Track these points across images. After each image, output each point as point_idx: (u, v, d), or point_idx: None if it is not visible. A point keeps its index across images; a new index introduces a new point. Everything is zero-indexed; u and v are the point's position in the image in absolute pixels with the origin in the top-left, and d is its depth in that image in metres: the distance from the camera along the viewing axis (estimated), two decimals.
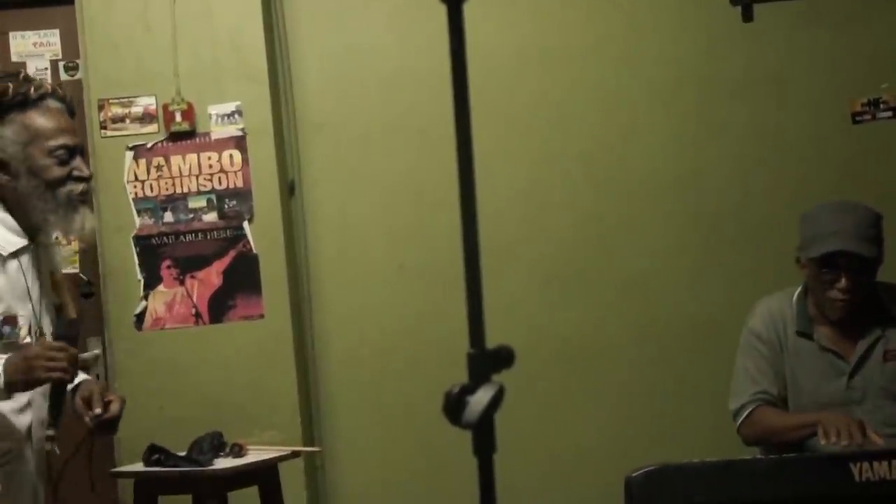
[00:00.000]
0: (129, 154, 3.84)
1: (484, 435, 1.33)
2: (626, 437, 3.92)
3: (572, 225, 3.99)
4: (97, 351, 3.94)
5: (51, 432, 2.53)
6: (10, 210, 2.60)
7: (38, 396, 2.63)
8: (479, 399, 1.31)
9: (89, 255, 3.93)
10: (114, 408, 2.65)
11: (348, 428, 3.98)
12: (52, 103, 2.66)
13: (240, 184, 3.84)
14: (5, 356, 2.50)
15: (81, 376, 2.79)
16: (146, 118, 3.84)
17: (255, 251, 3.84)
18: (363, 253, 3.99)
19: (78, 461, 3.26)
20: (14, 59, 3.96)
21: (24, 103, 2.60)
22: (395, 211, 3.99)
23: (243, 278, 3.83)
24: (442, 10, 4.29)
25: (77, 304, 2.83)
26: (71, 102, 2.76)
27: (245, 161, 3.84)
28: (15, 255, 2.60)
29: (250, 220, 3.85)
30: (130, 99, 3.84)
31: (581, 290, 3.98)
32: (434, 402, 4.21)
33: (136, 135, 3.84)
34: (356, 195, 4.00)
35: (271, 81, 3.89)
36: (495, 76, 3.93)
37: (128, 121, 3.84)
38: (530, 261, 3.95)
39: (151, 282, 3.83)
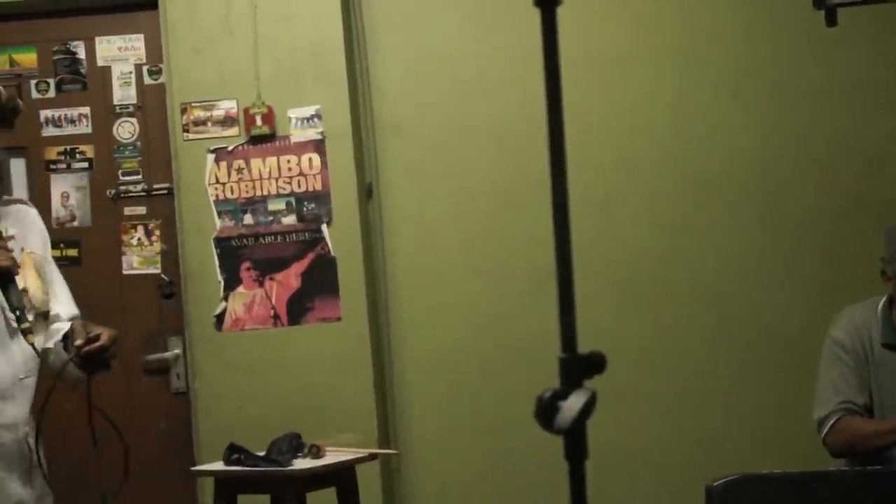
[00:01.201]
0: (211, 157, 3.89)
1: (575, 441, 1.32)
2: (703, 446, 3.88)
3: (648, 232, 3.96)
4: (177, 351, 4.00)
5: (25, 325, 2.47)
6: None
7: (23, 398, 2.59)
8: (572, 405, 1.30)
9: (171, 255, 3.99)
10: (103, 337, 2.49)
11: (423, 431, 3.99)
12: None
13: (318, 187, 3.87)
14: None
15: (67, 327, 2.66)
16: (227, 121, 3.89)
17: (333, 254, 3.87)
18: (439, 256, 3.99)
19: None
20: (100, 63, 4.04)
21: None
22: (471, 214, 3.99)
23: (321, 281, 3.86)
24: (519, 14, 4.30)
25: (43, 284, 2.69)
26: (4, 105, 2.62)
27: (324, 164, 3.87)
28: None
29: (328, 223, 3.87)
30: (212, 102, 3.89)
31: (657, 298, 3.95)
32: (509, 407, 4.24)
33: (218, 138, 3.89)
34: (433, 198, 4.01)
35: (350, 85, 3.91)
36: (569, 81, 3.90)
37: (209, 124, 3.89)
38: (605, 268, 3.93)
39: (231, 283, 3.88)
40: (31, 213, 2.78)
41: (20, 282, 2.55)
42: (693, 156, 3.97)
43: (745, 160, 3.95)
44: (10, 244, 2.59)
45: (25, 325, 2.49)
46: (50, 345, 2.68)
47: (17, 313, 2.49)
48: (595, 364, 1.36)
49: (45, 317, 2.69)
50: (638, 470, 3.88)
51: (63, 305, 2.75)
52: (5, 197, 2.68)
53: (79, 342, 2.48)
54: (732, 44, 3.96)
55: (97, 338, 2.49)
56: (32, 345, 2.51)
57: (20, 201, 2.79)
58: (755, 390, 3.90)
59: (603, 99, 3.95)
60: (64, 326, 2.68)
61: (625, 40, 3.95)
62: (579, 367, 1.34)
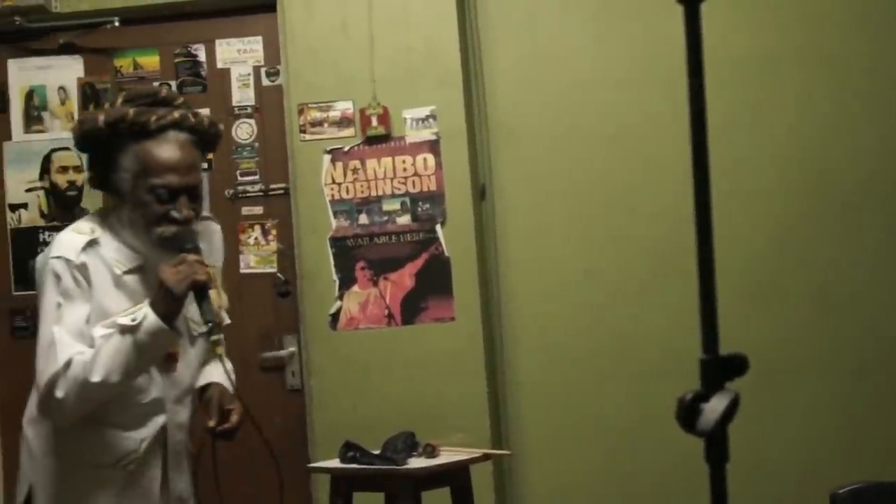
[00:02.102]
0: (327, 157, 3.93)
1: (717, 444, 1.30)
2: (827, 453, 3.79)
3: (767, 235, 3.89)
4: (293, 349, 4.05)
5: (215, 337, 2.58)
6: (133, 230, 2.61)
7: (172, 403, 2.69)
8: (714, 407, 1.28)
9: (287, 255, 4.04)
10: (233, 419, 2.69)
11: (536, 432, 3.97)
12: (174, 136, 2.59)
13: (433, 187, 3.89)
14: (145, 306, 2.52)
15: (212, 378, 2.81)
16: (343, 122, 3.93)
17: (447, 254, 3.88)
18: (553, 258, 3.97)
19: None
20: (220, 65, 4.11)
21: (141, 133, 2.57)
22: (584, 216, 3.97)
23: (435, 281, 3.87)
24: (636, 14, 4.26)
25: (222, 294, 2.80)
26: (208, 129, 2.70)
27: (438, 165, 3.89)
28: (131, 271, 2.62)
29: (443, 224, 3.89)
30: (329, 104, 3.93)
31: (775, 302, 3.87)
32: (622, 408, 4.20)
33: (334, 138, 3.93)
34: (546, 200, 3.99)
35: (465, 86, 3.92)
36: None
37: (326, 125, 3.94)
38: (723, 272, 3.83)
39: (346, 282, 3.91)
40: (217, 229, 2.88)
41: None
42: (814, 158, 3.88)
43: (868, 161, 3.85)
44: None
45: (216, 337, 2.60)
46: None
47: (210, 326, 2.59)
48: (737, 366, 1.34)
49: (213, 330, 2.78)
50: (760, 477, 3.80)
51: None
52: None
53: (212, 424, 2.68)
54: (855, 42, 3.87)
55: (228, 415, 2.69)
56: (220, 356, 2.62)
57: (208, 218, 2.87)
58: (878, 396, 3.80)
59: (723, 101, 3.88)
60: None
61: (745, 40, 3.88)
62: (721, 368, 1.32)
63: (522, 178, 3.99)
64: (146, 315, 2.50)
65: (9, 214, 4.17)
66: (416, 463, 3.28)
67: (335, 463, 3.37)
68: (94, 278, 2.57)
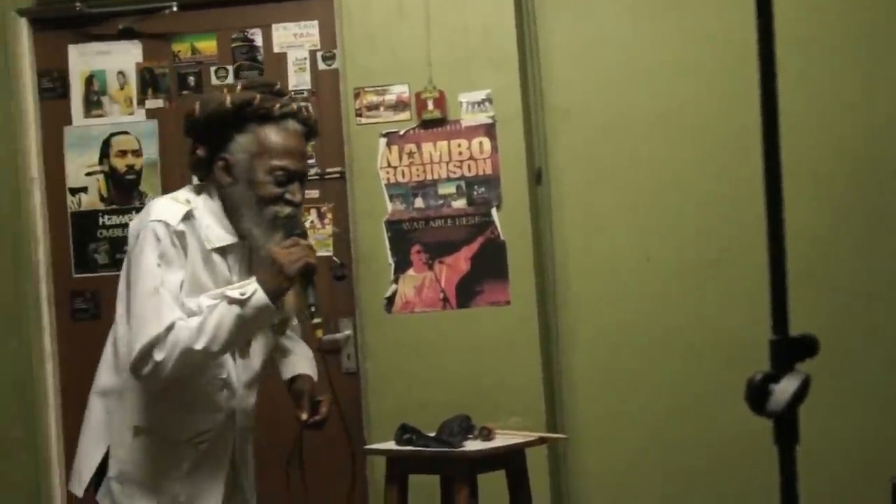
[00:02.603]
0: (383, 141, 3.94)
1: (787, 425, 1.29)
2: (883, 440, 3.75)
3: (826, 220, 3.84)
4: (348, 332, 4.07)
5: (317, 320, 2.74)
6: (227, 210, 2.68)
7: (241, 388, 2.74)
8: (785, 388, 1.27)
9: (342, 238, 4.06)
10: (322, 410, 2.81)
11: (590, 416, 3.96)
12: (292, 125, 2.70)
13: (489, 171, 3.88)
14: (253, 282, 2.58)
15: (300, 368, 2.91)
16: (399, 106, 3.93)
17: (502, 238, 3.88)
18: (609, 243, 3.96)
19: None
20: (276, 49, 4.13)
21: (265, 117, 2.67)
22: (641, 200, 3.94)
23: (490, 265, 3.87)
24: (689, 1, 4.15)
25: (303, 298, 2.86)
26: (315, 125, 2.81)
27: (494, 148, 3.88)
28: (222, 250, 2.67)
29: (498, 208, 3.88)
30: (384, 87, 3.94)
31: (834, 288, 3.83)
32: (677, 394, 4.16)
33: (390, 122, 3.94)
34: (603, 184, 3.97)
35: (521, 69, 3.91)
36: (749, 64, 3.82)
37: (381, 108, 3.94)
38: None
39: (402, 266, 3.92)
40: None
41: None
42: (874, 140, 3.83)
43: None
44: None
45: (316, 320, 2.77)
46: (282, 370, 2.93)
47: (312, 309, 2.75)
48: (807, 347, 1.33)
49: (284, 324, 2.87)
50: (820, 462, 3.77)
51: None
52: None
53: (304, 416, 2.80)
54: None
55: (318, 407, 2.83)
56: (320, 339, 2.79)
57: None
58: None
59: (784, 82, 3.83)
60: (289, 346, 2.91)
61: (810, 21, 3.82)
62: (791, 349, 1.31)
63: (578, 161, 3.98)
64: (255, 290, 2.55)
65: (69, 198, 4.23)
66: (472, 446, 3.29)
67: (391, 445, 3.39)
68: (189, 248, 2.62)
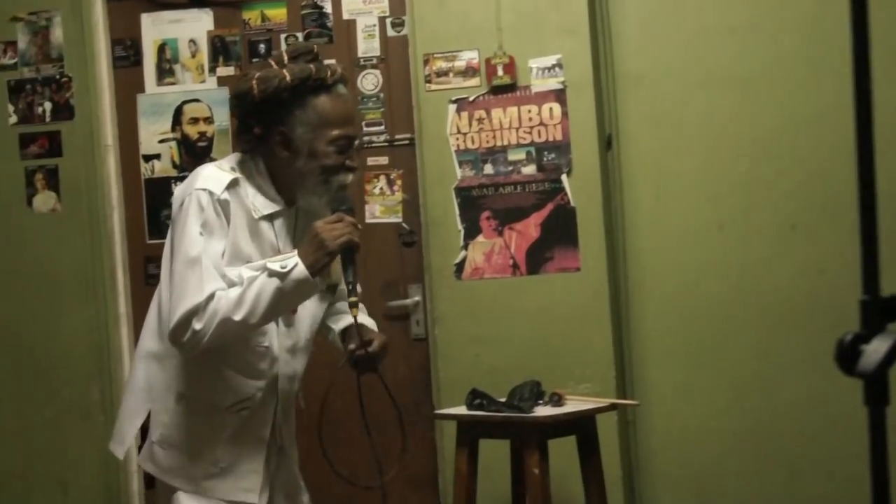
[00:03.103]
0: (452, 107, 3.93)
1: (877, 386, 1.27)
2: None
3: None
4: (417, 298, 4.09)
5: (353, 299, 2.61)
6: (272, 176, 2.68)
7: (283, 353, 2.73)
8: (876, 348, 1.25)
9: (412, 204, 4.07)
10: (374, 344, 2.69)
11: (660, 383, 3.95)
12: (342, 90, 2.70)
13: (559, 137, 3.87)
14: (294, 255, 2.57)
15: (350, 319, 2.80)
16: (469, 72, 3.93)
17: (572, 204, 3.86)
18: (681, 209, 3.93)
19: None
20: (345, 16, 4.14)
21: (321, 88, 2.65)
22: (715, 166, 3.90)
23: (560, 231, 3.86)
24: None
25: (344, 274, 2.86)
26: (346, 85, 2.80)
27: (564, 114, 3.86)
28: (268, 218, 2.67)
29: (569, 174, 3.87)
30: (454, 53, 3.93)
31: None
32: (749, 362, 4.11)
33: (459, 88, 3.93)
34: (674, 149, 3.93)
35: (591, 33, 3.88)
36: (832, 24, 3.76)
37: (451, 75, 3.94)
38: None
39: (471, 232, 3.93)
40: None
41: None
42: None
43: None
44: None
45: (353, 298, 2.63)
46: (332, 324, 2.89)
47: (350, 286, 2.63)
48: None
49: (333, 290, 2.85)
50: None
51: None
52: None
53: (352, 346, 2.68)
54: None
55: (370, 343, 2.69)
56: (355, 318, 2.66)
57: None
58: None
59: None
60: (343, 308, 2.85)
61: None
62: (883, 309, 1.29)
63: (649, 126, 3.94)
64: (297, 264, 2.54)
65: (142, 165, 4.29)
66: (542, 411, 3.30)
67: (462, 410, 3.40)
68: (233, 217, 2.62)
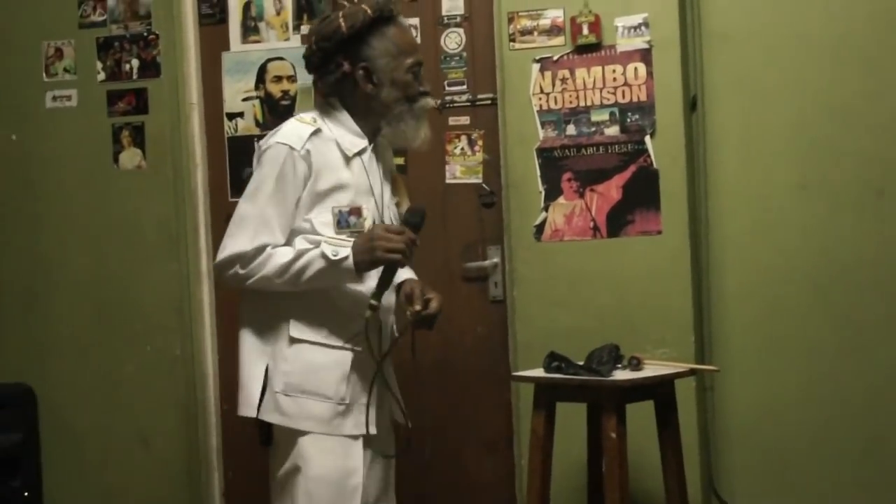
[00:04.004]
0: (536, 67, 3.89)
1: None
2: None
3: None
4: (496, 259, 4.07)
5: (374, 302, 2.78)
6: (354, 115, 2.82)
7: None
8: None
9: (492, 165, 4.05)
10: (433, 305, 2.88)
11: (740, 350, 3.89)
12: (403, 20, 2.92)
13: (643, 98, 3.80)
14: (349, 248, 2.76)
15: (408, 273, 3.00)
16: (553, 31, 3.88)
17: (655, 166, 3.80)
18: (765, 172, 3.84)
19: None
20: None
21: (391, 19, 2.86)
22: (801, 129, 3.81)
23: (642, 193, 3.81)
24: None
25: (408, 200, 3.03)
26: None
27: (649, 74, 3.79)
28: (359, 154, 2.86)
29: (652, 135, 3.80)
30: (539, 12, 3.88)
31: None
32: (832, 329, 4.04)
33: (543, 47, 3.88)
34: (760, 111, 3.85)
35: None
36: None
37: (535, 33, 3.89)
38: None
39: (552, 194, 3.89)
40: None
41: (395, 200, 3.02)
42: None
43: None
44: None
45: (373, 302, 2.82)
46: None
47: (377, 292, 2.84)
48: None
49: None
50: None
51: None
52: None
53: (417, 307, 2.86)
54: None
55: (429, 303, 2.88)
56: (366, 320, 2.82)
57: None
58: None
59: None
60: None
61: None
62: None
63: (735, 88, 3.86)
64: (347, 257, 2.73)
65: (226, 123, 4.32)
66: (621, 375, 3.27)
67: (539, 372, 3.39)
68: (324, 160, 2.80)
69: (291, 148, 2.75)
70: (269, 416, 2.82)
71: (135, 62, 4.30)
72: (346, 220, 2.81)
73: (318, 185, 2.79)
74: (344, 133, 2.86)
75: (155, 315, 4.29)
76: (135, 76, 4.30)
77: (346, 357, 2.81)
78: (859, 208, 3.76)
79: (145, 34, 4.29)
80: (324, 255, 2.74)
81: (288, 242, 2.81)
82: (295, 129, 2.80)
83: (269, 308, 2.82)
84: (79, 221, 4.37)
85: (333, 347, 2.80)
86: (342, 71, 2.86)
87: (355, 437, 2.81)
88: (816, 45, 3.78)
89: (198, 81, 4.32)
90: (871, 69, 3.74)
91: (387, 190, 2.98)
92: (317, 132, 2.80)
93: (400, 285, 2.99)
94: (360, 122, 2.89)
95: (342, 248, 2.74)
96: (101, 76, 4.34)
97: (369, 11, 2.84)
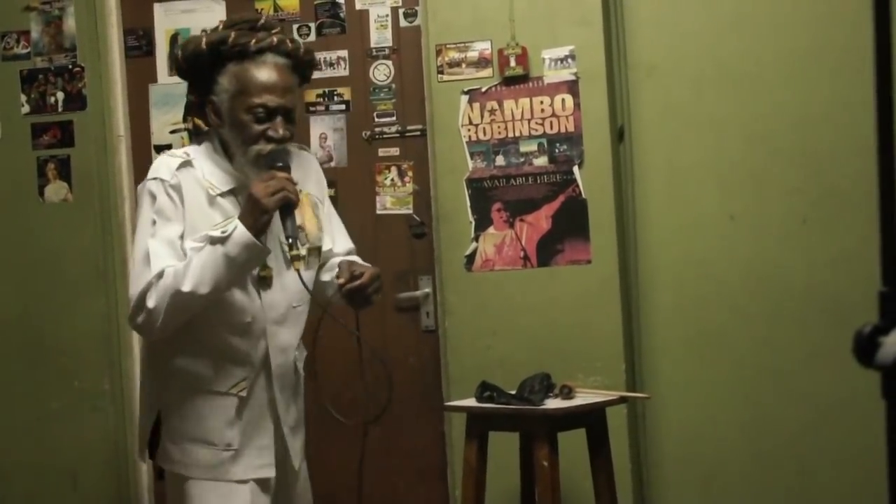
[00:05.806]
0: (464, 98, 3.92)
1: (895, 379, 1.26)
2: None
3: None
4: (427, 290, 4.08)
5: (294, 252, 2.62)
6: (228, 154, 2.71)
7: (271, 325, 2.74)
8: (894, 341, 1.24)
9: (423, 196, 4.06)
10: (364, 277, 2.68)
11: (671, 376, 3.93)
12: (271, 58, 2.68)
13: (571, 128, 3.85)
14: (234, 219, 2.60)
15: (342, 261, 2.84)
16: (481, 63, 3.91)
17: (584, 196, 3.85)
18: (693, 201, 3.91)
19: None
20: (358, 7, 4.12)
21: (242, 55, 2.67)
22: (726, 158, 3.88)
23: (572, 223, 3.85)
24: None
25: (318, 222, 2.87)
26: (302, 55, 2.77)
27: (576, 105, 3.84)
28: (230, 193, 2.70)
29: (580, 165, 3.85)
30: (467, 44, 3.92)
31: None
32: (761, 356, 4.09)
33: (472, 79, 3.92)
34: (686, 141, 3.91)
35: (605, 25, 3.86)
36: (847, 12, 3.74)
37: (463, 65, 3.92)
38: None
39: (482, 224, 3.91)
40: (311, 158, 3.00)
41: (298, 217, 2.69)
42: None
43: None
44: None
45: (294, 252, 2.65)
46: (326, 278, 2.87)
47: (290, 241, 2.65)
48: None
49: (318, 252, 2.84)
50: None
51: (339, 241, 2.94)
52: (293, 143, 2.82)
53: (342, 280, 2.70)
54: None
55: (360, 276, 2.69)
56: (298, 271, 2.68)
57: (302, 147, 2.98)
58: None
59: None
60: (335, 262, 2.86)
61: None
62: None
63: (662, 118, 3.92)
64: (236, 227, 2.58)
65: (154, 156, 4.27)
66: (552, 404, 3.29)
67: (471, 402, 3.40)
68: (188, 197, 2.67)
69: (162, 180, 2.69)
70: (161, 462, 2.81)
71: (60, 94, 4.25)
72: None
73: (187, 217, 2.67)
74: (214, 169, 2.71)
75: (82, 350, 4.23)
76: (60, 109, 4.25)
77: (230, 402, 2.74)
78: (785, 236, 3.83)
79: (70, 66, 4.25)
80: (214, 240, 2.58)
81: None
82: (164, 163, 2.72)
83: (162, 356, 2.77)
84: (3, 255, 4.30)
85: (219, 394, 2.74)
86: (189, 100, 2.81)
87: (243, 482, 2.75)
88: (741, 77, 3.86)
89: (125, 114, 4.28)
90: (792, 100, 3.82)
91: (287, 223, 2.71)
92: (185, 164, 2.68)
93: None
94: (230, 158, 2.72)
95: (228, 223, 2.61)
96: (26, 108, 4.28)
97: (203, 45, 2.70)
